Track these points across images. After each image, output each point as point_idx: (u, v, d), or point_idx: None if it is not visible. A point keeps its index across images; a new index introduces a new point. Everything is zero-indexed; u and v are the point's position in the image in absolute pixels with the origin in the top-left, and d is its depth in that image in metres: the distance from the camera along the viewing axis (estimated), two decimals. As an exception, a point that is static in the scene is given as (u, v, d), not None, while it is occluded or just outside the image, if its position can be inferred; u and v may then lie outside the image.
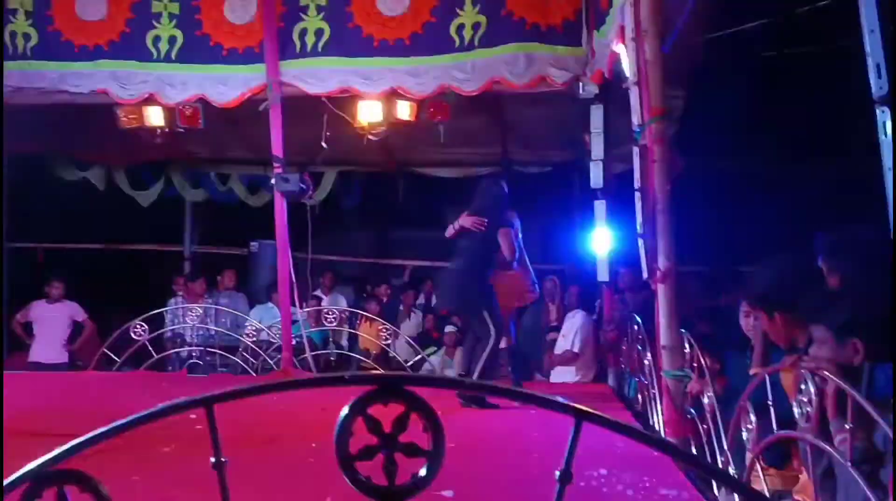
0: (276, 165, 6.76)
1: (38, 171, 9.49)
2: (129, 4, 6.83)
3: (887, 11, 2.26)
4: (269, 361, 7.20)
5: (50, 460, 1.22)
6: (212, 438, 1.26)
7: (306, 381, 1.26)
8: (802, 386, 2.22)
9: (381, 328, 7.74)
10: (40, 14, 6.85)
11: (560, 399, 1.17)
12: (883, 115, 2.32)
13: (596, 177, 6.52)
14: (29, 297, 7.95)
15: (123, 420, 1.25)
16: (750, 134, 7.35)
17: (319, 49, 6.71)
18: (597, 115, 6.45)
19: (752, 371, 3.22)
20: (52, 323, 7.82)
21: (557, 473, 1.18)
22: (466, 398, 4.88)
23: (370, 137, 7.12)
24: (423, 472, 1.17)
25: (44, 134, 8.17)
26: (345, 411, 1.21)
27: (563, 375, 6.94)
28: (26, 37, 6.85)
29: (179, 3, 6.82)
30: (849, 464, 1.95)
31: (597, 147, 6.49)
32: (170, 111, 6.92)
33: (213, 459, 1.25)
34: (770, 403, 2.50)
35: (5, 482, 1.15)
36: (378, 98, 6.79)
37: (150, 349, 7.24)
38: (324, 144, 6.91)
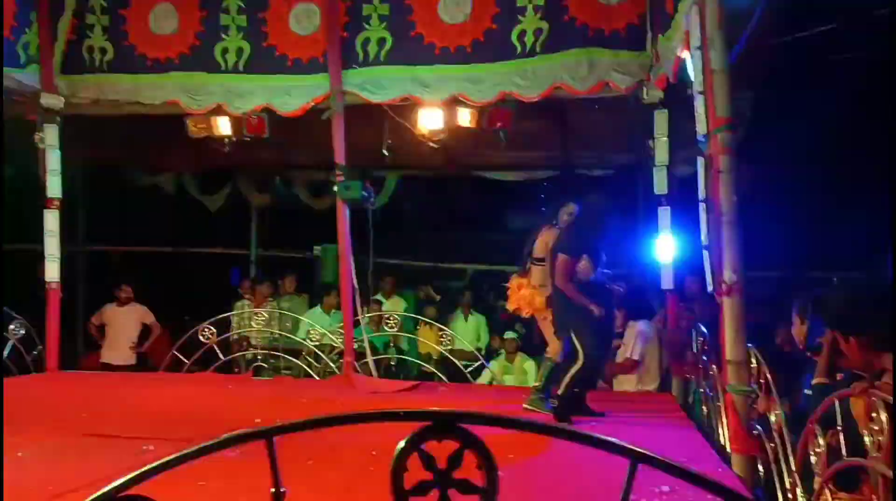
0: (338, 173, 6.87)
1: (112, 178, 9.91)
2: (199, 18, 7.06)
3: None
4: (332, 364, 7.32)
5: (121, 485, 1.27)
6: (271, 469, 1.31)
7: (363, 415, 1.29)
8: (874, 414, 2.15)
9: (440, 332, 7.78)
10: (116, 29, 7.14)
11: (615, 441, 1.17)
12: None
13: (660, 183, 6.43)
14: (107, 299, 8.29)
15: (191, 449, 1.30)
16: (824, 140, 7.11)
17: (382, 58, 6.80)
18: (661, 120, 6.36)
19: (814, 381, 3.14)
20: (121, 326, 8.14)
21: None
22: (559, 416, 4.99)
23: (431, 143, 7.16)
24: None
25: (118, 142, 8.54)
26: (400, 445, 1.24)
27: (625, 383, 6.85)
28: (102, 51, 7.16)
29: (247, 16, 7.01)
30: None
31: (661, 153, 6.39)
32: (237, 121, 7.12)
33: (272, 489, 1.29)
34: (839, 428, 2.43)
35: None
36: (439, 105, 6.84)
37: (218, 351, 7.45)
38: (385, 152, 6.98)
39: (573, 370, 5.10)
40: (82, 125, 7.34)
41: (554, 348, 5.48)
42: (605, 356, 5.70)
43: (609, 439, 1.18)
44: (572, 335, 5.17)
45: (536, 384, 5.58)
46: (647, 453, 1.19)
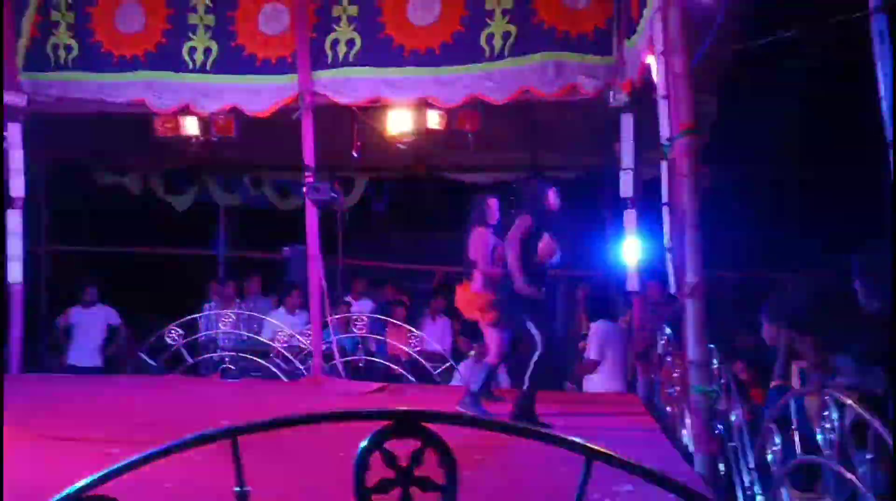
0: (307, 174, 6.86)
1: (76, 177, 9.76)
2: (165, 16, 7.00)
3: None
4: (300, 366, 7.30)
5: (86, 485, 1.28)
6: (235, 468, 1.32)
7: (326, 415, 1.31)
8: (825, 413, 2.22)
9: (408, 333, 7.79)
10: (81, 26, 7.05)
11: (569, 438, 1.21)
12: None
13: (626, 186, 6.52)
14: (73, 301, 8.17)
15: (156, 449, 1.31)
16: (784, 141, 7.28)
17: (350, 59, 6.81)
18: (627, 124, 6.45)
19: (772, 384, 3.22)
20: (87, 327, 8.02)
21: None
22: (517, 415, 4.98)
23: (400, 145, 7.19)
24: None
25: (82, 141, 8.42)
26: (362, 445, 1.26)
27: (592, 384, 6.93)
28: (68, 48, 7.06)
29: (215, 16, 6.97)
30: (870, 495, 1.95)
31: (627, 156, 6.49)
32: (204, 121, 7.07)
33: (236, 488, 1.31)
34: (794, 427, 2.51)
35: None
36: (408, 107, 6.86)
37: (185, 353, 7.38)
38: (354, 153, 6.99)
39: (535, 358, 5.09)
40: (46, 124, 7.24)
41: (494, 350, 5.51)
42: (565, 340, 5.70)
43: (565, 437, 1.22)
44: (527, 324, 5.15)
45: (473, 387, 5.50)
46: (603, 450, 1.23)
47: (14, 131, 7.01)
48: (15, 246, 7.02)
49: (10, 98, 6.92)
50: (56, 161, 9.04)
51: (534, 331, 5.14)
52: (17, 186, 7.02)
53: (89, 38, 7.05)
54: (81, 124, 7.47)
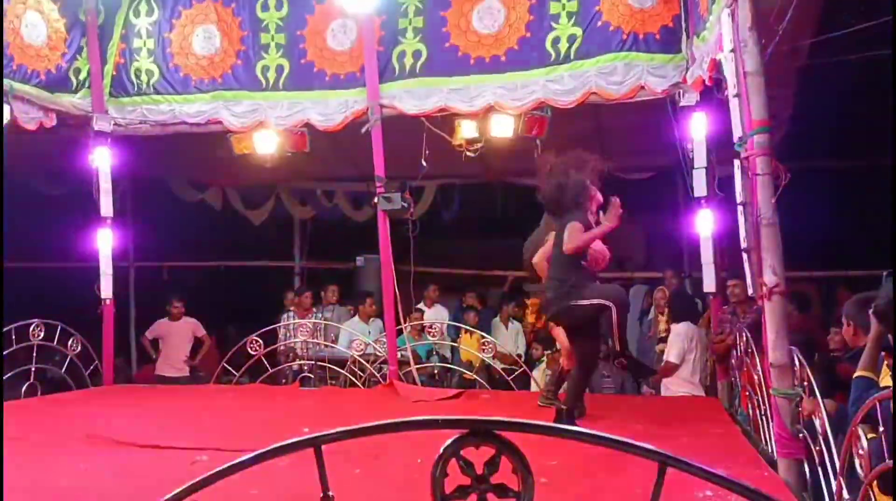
0: (378, 184, 7.00)
1: (161, 193, 10.21)
2: (240, 37, 7.28)
3: None
4: (376, 374, 7.43)
5: (175, 496, 1.37)
6: (319, 474, 1.39)
7: (404, 423, 1.37)
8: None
9: (480, 339, 7.83)
10: (161, 51, 7.41)
11: (642, 445, 1.23)
12: None
13: (699, 186, 6.39)
14: (157, 313, 8.55)
15: (246, 457, 1.39)
16: (865, 133, 7.00)
17: (417, 70, 6.91)
18: (698, 122, 6.33)
19: (856, 373, 3.13)
20: (174, 340, 8.39)
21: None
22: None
23: (468, 153, 7.24)
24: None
25: (163, 159, 8.82)
26: (440, 452, 1.31)
27: (671, 388, 6.82)
28: (149, 73, 7.42)
29: (286, 34, 7.21)
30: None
31: (699, 155, 6.36)
32: (279, 137, 7.29)
33: (321, 495, 1.38)
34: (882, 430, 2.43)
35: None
36: (475, 115, 6.91)
37: (265, 362, 7.62)
38: (423, 162, 7.08)
39: (614, 320, 4.80)
40: (129, 143, 7.61)
41: (565, 354, 5.47)
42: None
43: (638, 443, 1.24)
44: (588, 299, 4.82)
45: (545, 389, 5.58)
46: (676, 457, 1.24)
47: (101, 155, 7.40)
48: (106, 263, 7.40)
49: (98, 123, 7.35)
50: (139, 179, 9.49)
51: (596, 300, 4.82)
52: (106, 206, 7.40)
53: (169, 62, 7.41)
54: (163, 143, 7.82)
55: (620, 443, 1.25)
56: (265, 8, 7.23)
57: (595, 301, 4.83)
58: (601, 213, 4.99)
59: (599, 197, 5.11)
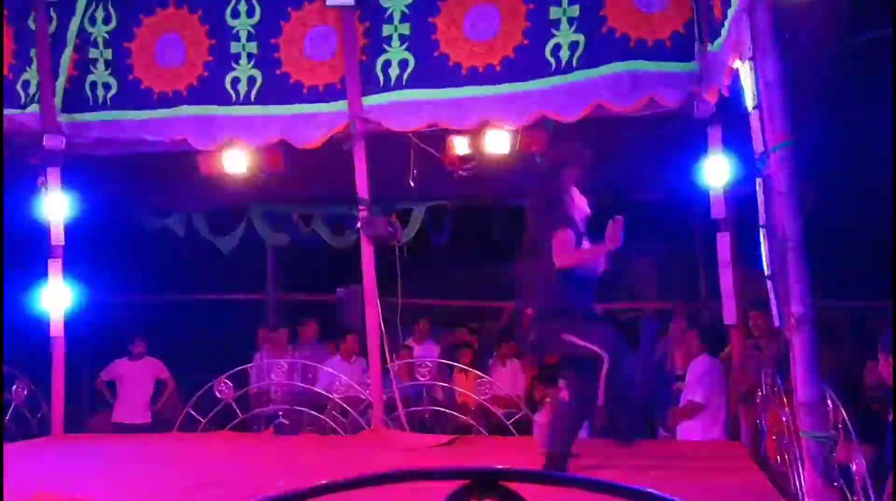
0: (361, 207, 7.00)
1: (119, 219, 10.17)
2: (207, 47, 7.26)
3: None
4: (360, 419, 7.38)
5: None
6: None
7: (397, 475, 1.35)
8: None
9: (477, 379, 7.80)
10: (121, 63, 7.39)
11: (661, 495, 1.22)
12: None
13: (717, 206, 6.44)
14: (115, 353, 8.48)
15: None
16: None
17: (404, 81, 6.90)
18: (714, 137, 6.39)
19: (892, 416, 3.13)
20: (135, 382, 8.33)
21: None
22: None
23: (460, 172, 7.27)
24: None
25: (123, 181, 8.79)
26: (439, 507, 1.30)
27: (690, 431, 6.80)
28: (106, 86, 7.41)
29: (258, 42, 7.17)
30: None
31: (716, 173, 6.41)
32: (251, 156, 7.30)
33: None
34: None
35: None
36: (468, 131, 6.94)
37: (235, 407, 7.55)
38: (411, 183, 7.10)
39: (603, 373, 4.80)
40: (84, 165, 7.58)
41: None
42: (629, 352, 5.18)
43: (657, 493, 1.23)
44: (581, 340, 4.86)
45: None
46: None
47: (53, 176, 7.36)
48: (56, 297, 7.33)
49: (49, 141, 7.31)
50: (94, 203, 9.46)
51: (594, 346, 4.84)
52: (56, 235, 7.35)
53: (128, 74, 7.38)
54: (121, 164, 7.80)
55: (639, 494, 1.24)
56: (235, 14, 7.22)
57: (588, 346, 4.87)
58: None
59: (585, 208, 5.11)
